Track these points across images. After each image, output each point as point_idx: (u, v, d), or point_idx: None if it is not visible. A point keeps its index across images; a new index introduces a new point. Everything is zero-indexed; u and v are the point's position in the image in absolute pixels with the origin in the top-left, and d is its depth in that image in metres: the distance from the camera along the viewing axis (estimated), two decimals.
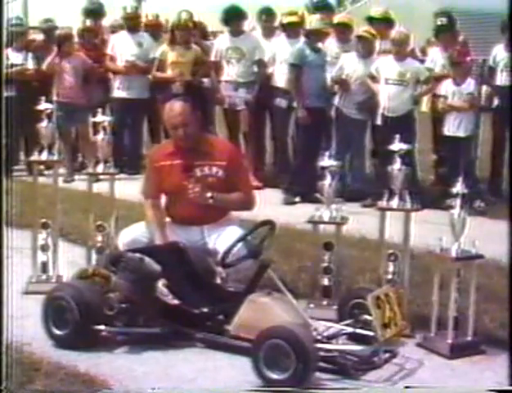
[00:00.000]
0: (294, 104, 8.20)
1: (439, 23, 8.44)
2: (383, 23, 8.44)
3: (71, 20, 10.62)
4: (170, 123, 4.81)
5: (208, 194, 4.66)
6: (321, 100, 8.16)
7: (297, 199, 8.16)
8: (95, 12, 10.02)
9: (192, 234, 4.83)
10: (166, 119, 4.84)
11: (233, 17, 8.93)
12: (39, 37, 10.04)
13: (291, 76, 8.19)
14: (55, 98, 8.82)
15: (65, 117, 8.85)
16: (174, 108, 4.79)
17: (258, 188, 7.63)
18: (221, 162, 4.79)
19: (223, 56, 8.90)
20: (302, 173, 8.06)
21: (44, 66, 9.20)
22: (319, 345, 3.99)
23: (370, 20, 8.56)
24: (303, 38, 8.28)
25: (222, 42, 9.07)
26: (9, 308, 3.91)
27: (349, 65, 8.18)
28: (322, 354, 3.97)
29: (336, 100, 8.28)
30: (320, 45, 8.22)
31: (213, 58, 9.01)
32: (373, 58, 8.18)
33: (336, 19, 8.94)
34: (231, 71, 8.85)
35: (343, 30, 8.55)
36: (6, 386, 3.63)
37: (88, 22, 9.96)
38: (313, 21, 8.23)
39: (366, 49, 8.14)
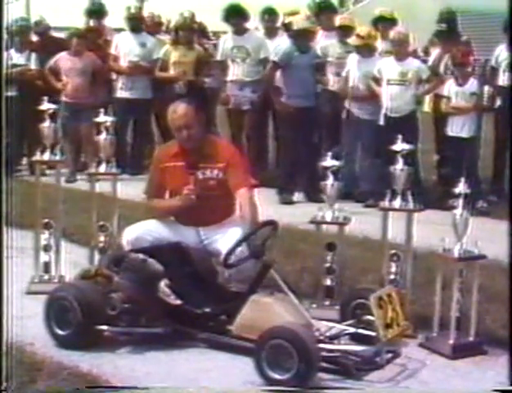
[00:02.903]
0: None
1: (439, 28, 8.45)
2: (388, 23, 8.44)
3: (73, 20, 10.61)
4: (174, 124, 4.84)
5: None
6: (309, 100, 8.12)
7: (294, 198, 8.16)
8: (97, 13, 10.02)
9: (195, 235, 4.85)
10: (170, 121, 4.87)
11: (234, 15, 8.90)
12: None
13: (269, 72, 8.29)
14: (63, 98, 8.84)
15: (70, 117, 8.86)
16: (178, 110, 4.82)
17: (255, 186, 7.61)
18: (221, 163, 4.81)
19: (228, 56, 8.85)
20: (294, 172, 8.09)
21: (63, 77, 9.12)
22: (321, 346, 3.99)
23: (378, 19, 8.56)
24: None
25: (226, 42, 8.99)
26: (11, 308, 3.91)
27: (353, 67, 8.18)
28: (324, 354, 3.97)
29: (346, 103, 8.27)
30: (310, 44, 8.21)
31: (218, 58, 8.99)
32: (375, 57, 8.22)
33: (338, 20, 8.91)
34: (237, 70, 8.80)
35: (345, 33, 8.52)
36: (8, 386, 3.63)
37: (91, 22, 9.97)
38: (299, 21, 8.22)
39: (365, 52, 8.14)
